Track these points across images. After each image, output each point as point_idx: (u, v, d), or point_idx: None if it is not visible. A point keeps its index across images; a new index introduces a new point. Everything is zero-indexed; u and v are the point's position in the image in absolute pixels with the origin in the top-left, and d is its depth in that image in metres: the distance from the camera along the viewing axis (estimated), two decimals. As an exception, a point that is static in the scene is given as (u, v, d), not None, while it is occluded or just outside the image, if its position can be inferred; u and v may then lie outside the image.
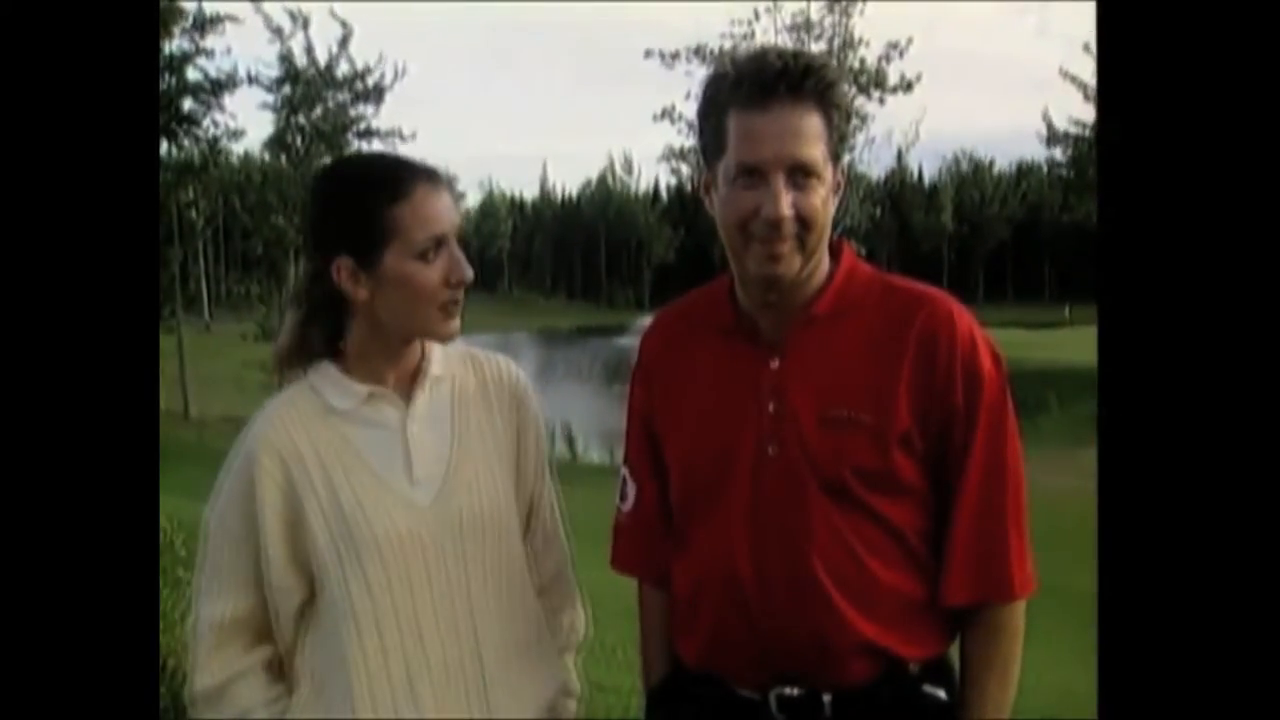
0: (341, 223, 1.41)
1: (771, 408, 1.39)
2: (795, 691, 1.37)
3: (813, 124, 1.33)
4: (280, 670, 1.49)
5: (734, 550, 1.39)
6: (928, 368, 1.36)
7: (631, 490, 1.55)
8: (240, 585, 1.45)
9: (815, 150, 1.33)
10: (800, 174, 1.33)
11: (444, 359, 1.52)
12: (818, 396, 1.37)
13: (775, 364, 1.40)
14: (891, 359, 1.37)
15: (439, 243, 1.40)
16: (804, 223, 1.34)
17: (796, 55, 1.37)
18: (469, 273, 1.42)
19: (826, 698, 1.36)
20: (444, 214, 1.41)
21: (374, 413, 1.46)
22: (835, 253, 1.45)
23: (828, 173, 1.35)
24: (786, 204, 1.32)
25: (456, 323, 1.45)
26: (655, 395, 1.51)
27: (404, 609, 1.42)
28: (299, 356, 1.50)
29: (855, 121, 13.74)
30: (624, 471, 1.58)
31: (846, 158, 1.43)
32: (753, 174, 1.34)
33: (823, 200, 1.35)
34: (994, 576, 1.37)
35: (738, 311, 1.45)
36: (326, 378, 1.47)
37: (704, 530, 1.43)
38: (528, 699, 1.50)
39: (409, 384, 1.49)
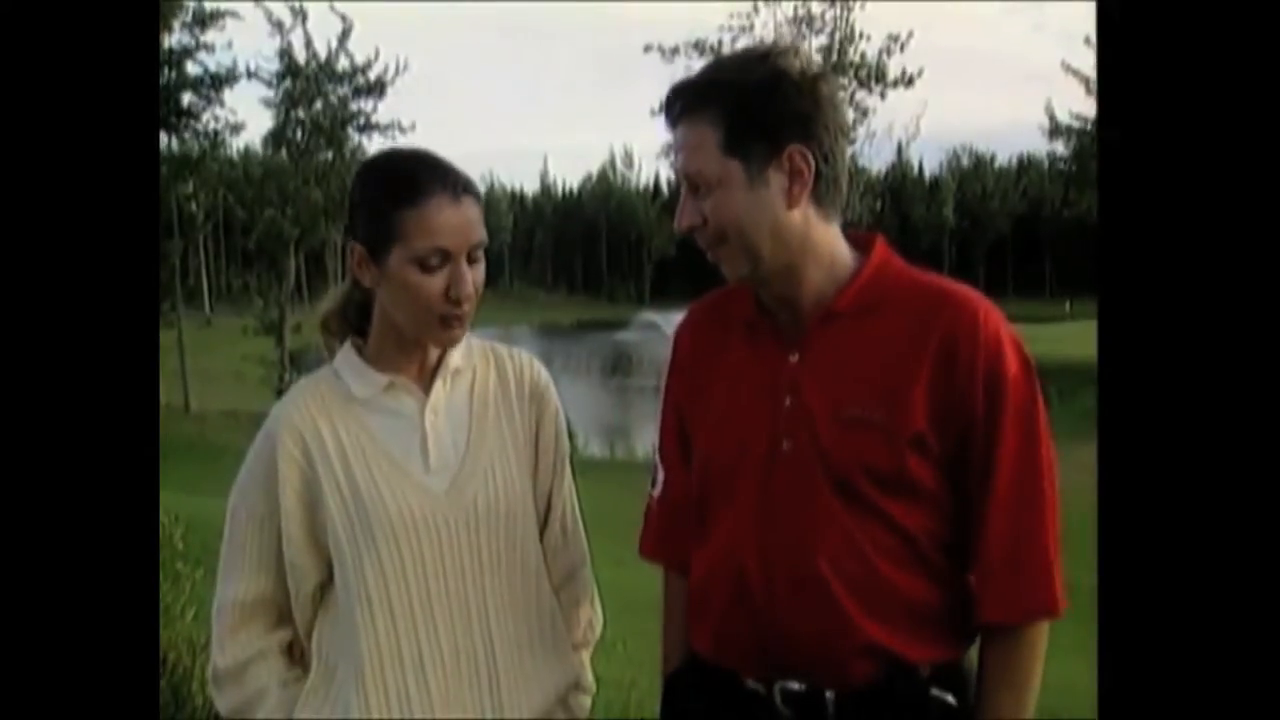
0: (360, 213, 1.46)
1: (788, 403, 1.37)
2: (799, 686, 1.36)
3: (695, 134, 1.35)
4: (300, 653, 1.52)
5: (742, 544, 1.38)
6: (947, 370, 1.32)
7: (661, 477, 1.56)
8: (261, 565, 1.48)
9: (697, 160, 1.35)
10: (696, 184, 1.36)
11: (465, 353, 1.54)
12: (833, 394, 1.35)
13: (794, 359, 1.39)
14: (910, 359, 1.33)
15: (444, 255, 1.40)
16: (716, 228, 1.36)
17: (690, 74, 1.42)
18: (469, 291, 1.41)
19: (829, 694, 1.35)
20: (453, 227, 1.40)
21: (393, 402, 1.49)
22: (866, 247, 1.42)
23: (730, 174, 1.33)
24: (682, 214, 1.38)
25: (456, 333, 1.46)
26: (686, 386, 1.52)
27: (416, 593, 1.44)
28: (338, 323, 1.54)
29: (854, 115, 13.73)
30: (656, 458, 1.58)
31: (809, 143, 1.34)
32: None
33: (725, 203, 1.34)
34: (1033, 595, 1.33)
35: (761, 306, 1.43)
36: (349, 365, 1.50)
37: (718, 522, 1.42)
38: (537, 689, 1.51)
39: (429, 376, 1.51)
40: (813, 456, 1.35)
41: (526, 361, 1.60)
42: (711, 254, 1.39)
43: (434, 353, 1.51)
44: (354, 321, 1.53)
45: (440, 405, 1.50)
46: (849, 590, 1.33)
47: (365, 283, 1.46)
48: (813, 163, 1.34)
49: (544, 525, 1.58)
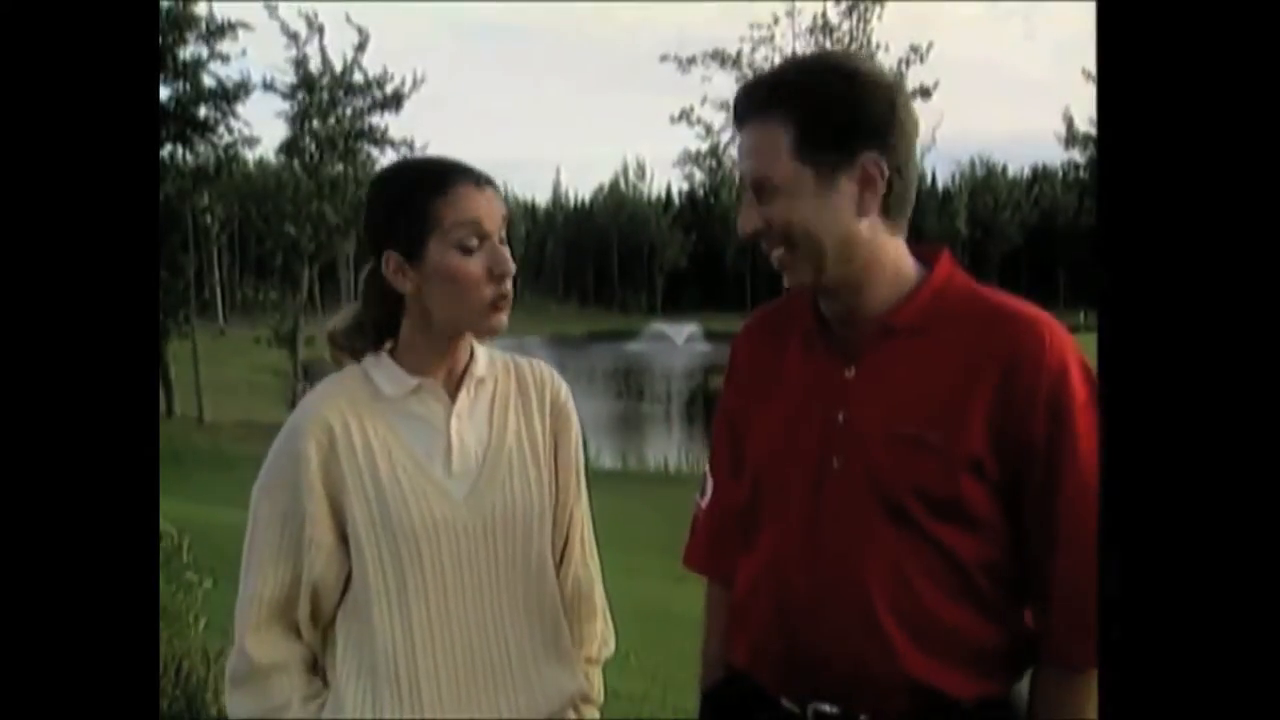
0: (389, 217, 1.47)
1: (841, 418, 1.33)
2: (832, 710, 1.32)
3: (764, 136, 1.30)
4: (316, 661, 1.52)
5: (788, 560, 1.35)
6: (1007, 393, 1.26)
7: (709, 487, 1.54)
8: (283, 561, 1.47)
9: (765, 163, 1.30)
10: (763, 188, 1.31)
11: (488, 363, 1.56)
12: (888, 411, 1.30)
13: (850, 374, 1.34)
14: (969, 379, 1.27)
15: (480, 236, 1.43)
16: (782, 234, 1.31)
17: (762, 73, 1.39)
18: (511, 265, 1.44)
19: (863, 719, 1.31)
20: (484, 209, 1.44)
21: (420, 405, 1.50)
22: (932, 261, 1.38)
23: (801, 179, 1.29)
24: (746, 219, 1.33)
25: (503, 318, 1.46)
26: (741, 396, 1.49)
27: (433, 595, 1.45)
28: (348, 341, 1.54)
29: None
30: (706, 468, 1.57)
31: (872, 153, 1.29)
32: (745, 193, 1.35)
33: (800, 209, 1.29)
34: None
35: (820, 317, 1.40)
36: (379, 365, 1.52)
37: (766, 536, 1.39)
38: (544, 696, 1.52)
39: (454, 383, 1.52)
40: (863, 475, 1.30)
41: (547, 374, 1.61)
42: (776, 261, 1.35)
43: (460, 361, 1.53)
44: (370, 341, 1.54)
45: (465, 412, 1.52)
46: (893, 617, 1.28)
47: (404, 289, 1.46)
48: (886, 172, 1.30)
49: (562, 540, 1.59)
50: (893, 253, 1.35)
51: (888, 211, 1.32)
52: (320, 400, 1.50)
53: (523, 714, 1.49)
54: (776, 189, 1.30)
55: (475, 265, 1.42)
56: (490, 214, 1.44)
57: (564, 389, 1.62)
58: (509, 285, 1.45)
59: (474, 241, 1.43)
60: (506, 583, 1.49)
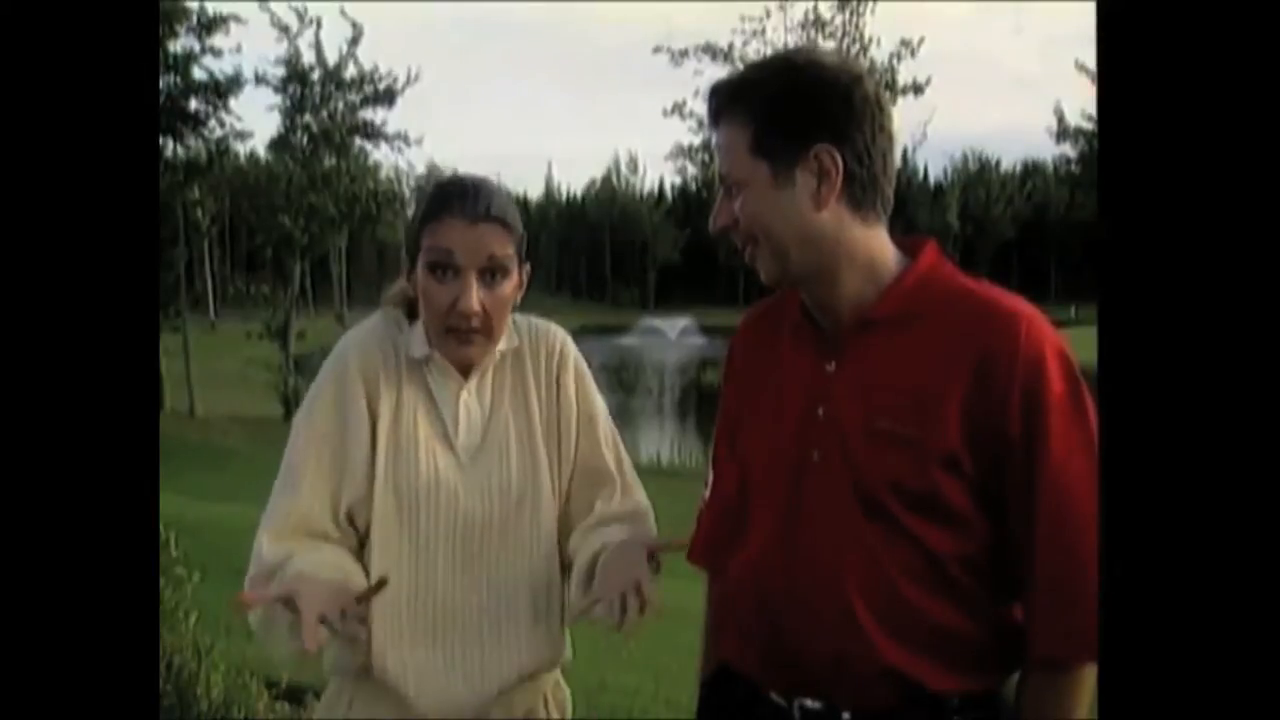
0: (406, 233, 1.60)
1: (820, 413, 1.33)
2: (816, 704, 1.33)
3: (728, 135, 1.34)
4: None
5: (768, 556, 1.35)
6: (982, 387, 1.25)
7: (710, 481, 1.55)
8: (321, 480, 1.54)
9: (730, 160, 1.33)
10: (728, 185, 1.35)
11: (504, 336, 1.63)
12: (866, 406, 1.30)
13: (830, 367, 1.34)
14: (946, 373, 1.27)
15: (453, 266, 1.52)
16: (746, 229, 1.34)
17: (721, 80, 1.41)
18: (472, 304, 1.51)
19: (845, 715, 1.32)
20: (461, 244, 1.51)
21: (435, 378, 1.60)
22: (915, 252, 1.37)
23: (757, 175, 1.31)
24: (715, 215, 1.37)
25: (469, 351, 1.56)
26: (737, 391, 1.50)
27: (424, 556, 1.54)
28: (397, 304, 1.65)
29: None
30: (709, 463, 1.58)
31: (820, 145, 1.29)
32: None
33: (758, 203, 1.31)
34: (1086, 632, 1.17)
35: (806, 311, 1.39)
36: (414, 329, 1.61)
37: (750, 530, 1.40)
38: (518, 658, 1.59)
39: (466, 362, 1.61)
40: (841, 470, 1.30)
41: (543, 330, 1.68)
42: (746, 256, 1.37)
43: None
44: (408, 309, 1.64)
45: (474, 388, 1.61)
46: (871, 611, 1.28)
47: (411, 293, 1.59)
48: (841, 163, 1.29)
49: (596, 476, 1.66)
50: (866, 244, 1.34)
51: (855, 203, 1.31)
52: (367, 339, 1.59)
53: (491, 671, 1.56)
54: (738, 185, 1.33)
55: (441, 293, 1.52)
56: (468, 247, 1.51)
57: (558, 336, 1.69)
58: (474, 323, 1.53)
59: (443, 270, 1.52)
60: (499, 546, 1.57)
